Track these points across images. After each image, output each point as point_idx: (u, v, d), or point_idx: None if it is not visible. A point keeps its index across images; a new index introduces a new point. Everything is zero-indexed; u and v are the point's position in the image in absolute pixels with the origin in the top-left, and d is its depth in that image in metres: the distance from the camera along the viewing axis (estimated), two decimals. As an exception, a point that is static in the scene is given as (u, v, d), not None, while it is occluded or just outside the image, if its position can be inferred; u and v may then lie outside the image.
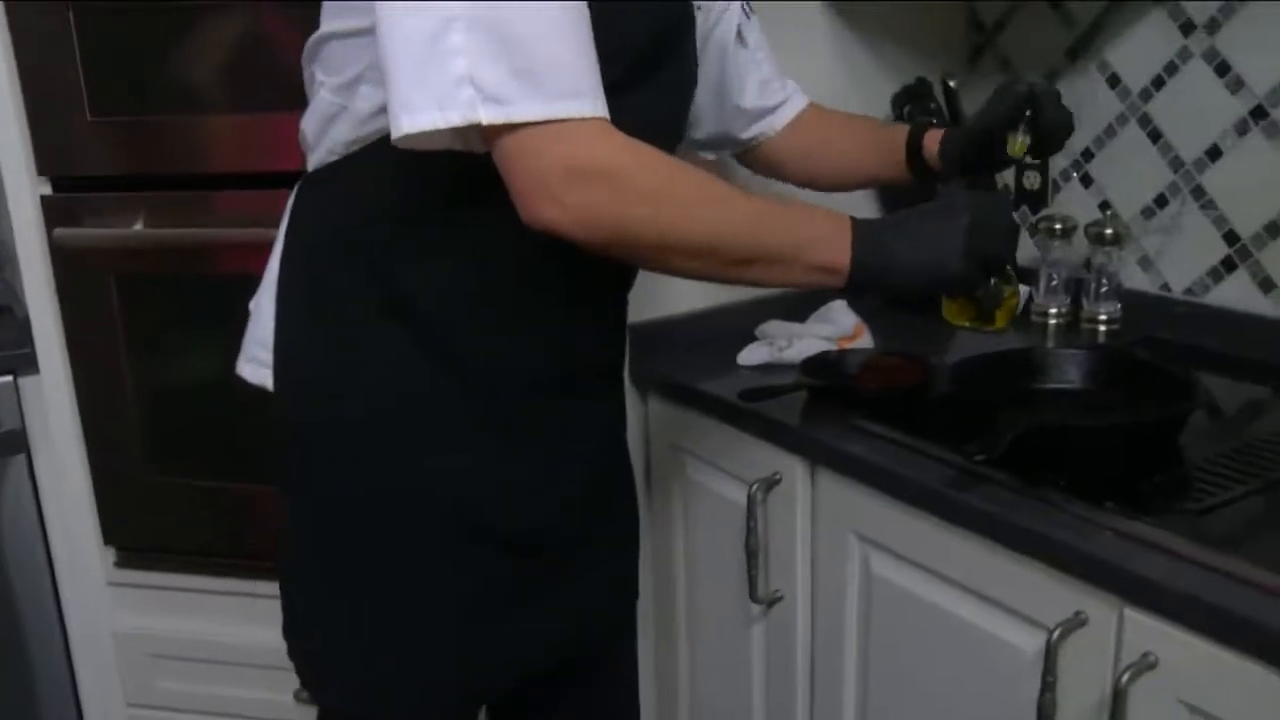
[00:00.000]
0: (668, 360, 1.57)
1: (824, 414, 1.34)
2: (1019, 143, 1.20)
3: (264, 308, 1.12)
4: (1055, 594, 1.04)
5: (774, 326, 1.56)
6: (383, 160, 0.98)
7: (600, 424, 1.18)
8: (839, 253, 1.00)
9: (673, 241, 0.95)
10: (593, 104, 0.89)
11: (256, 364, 1.12)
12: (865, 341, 1.54)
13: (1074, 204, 1.69)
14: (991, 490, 1.11)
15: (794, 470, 1.34)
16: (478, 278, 1.02)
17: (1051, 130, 1.21)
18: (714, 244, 0.97)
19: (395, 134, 0.87)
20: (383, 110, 0.96)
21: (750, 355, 1.52)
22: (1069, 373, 1.33)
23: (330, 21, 1.01)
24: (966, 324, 1.42)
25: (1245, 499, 1.08)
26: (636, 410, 1.61)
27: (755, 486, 1.36)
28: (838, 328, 1.52)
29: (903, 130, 1.33)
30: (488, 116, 0.85)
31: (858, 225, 1.02)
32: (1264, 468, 1.14)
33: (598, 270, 1.07)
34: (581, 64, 0.88)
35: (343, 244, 1.04)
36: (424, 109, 0.85)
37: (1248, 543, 1.03)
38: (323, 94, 1.03)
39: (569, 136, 0.88)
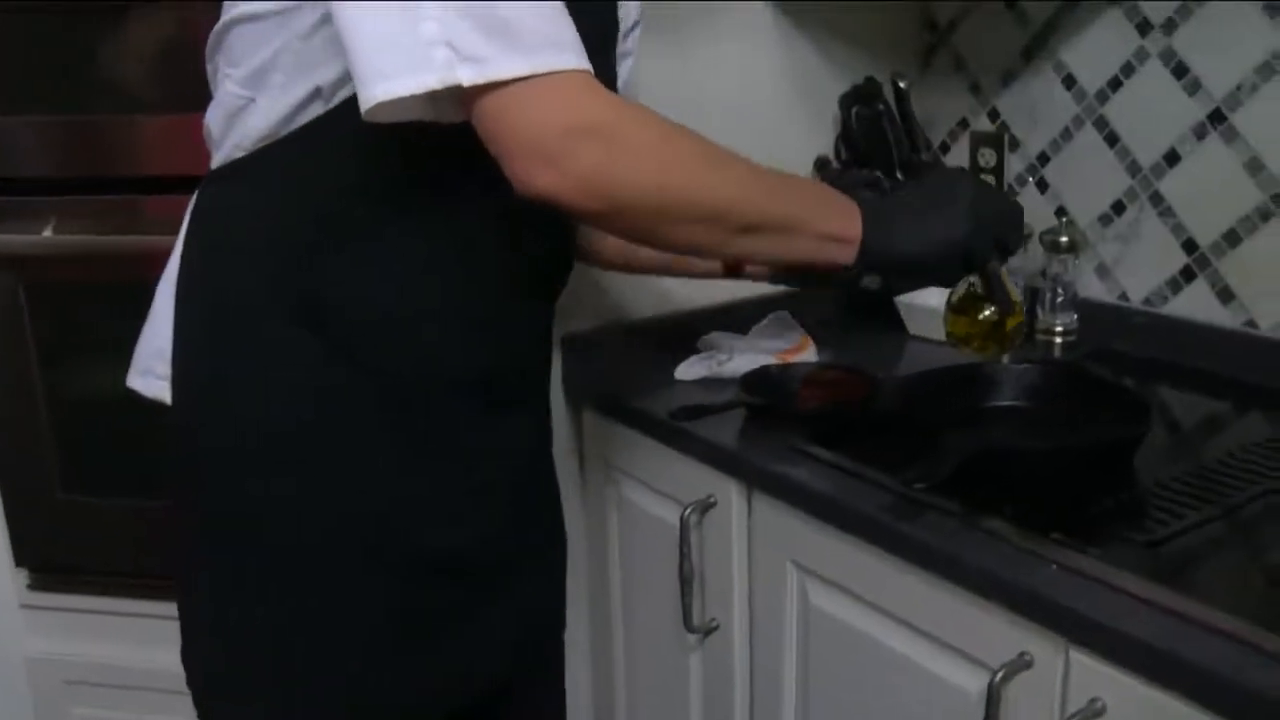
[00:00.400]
0: (603, 372, 1.49)
1: (762, 434, 1.27)
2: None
3: (160, 316, 1.04)
4: (999, 632, 0.97)
5: (715, 338, 1.49)
6: (297, 155, 0.92)
7: (529, 438, 1.10)
8: (850, 223, 0.97)
9: (676, 205, 0.89)
10: (576, 57, 0.83)
11: (151, 376, 1.05)
12: (810, 355, 1.47)
13: (1030, 209, 1.62)
14: (933, 519, 1.04)
15: (729, 493, 1.27)
16: (404, 279, 0.95)
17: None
18: (719, 208, 0.91)
19: (365, 105, 0.80)
20: (301, 103, 0.91)
21: (689, 369, 1.45)
22: (1020, 389, 1.26)
23: (232, 8, 0.94)
24: (974, 348, 1.25)
25: (1201, 527, 1.01)
26: (569, 424, 1.54)
27: (689, 510, 1.29)
28: (782, 340, 1.45)
29: None
30: (467, 77, 0.79)
31: (862, 198, 0.99)
32: (1221, 492, 1.07)
33: (535, 271, 1.02)
34: (558, 20, 0.83)
35: (249, 245, 0.96)
36: (397, 75, 0.79)
37: (1202, 578, 0.96)
38: (228, 86, 0.96)
39: (556, 92, 0.82)
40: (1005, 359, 1.26)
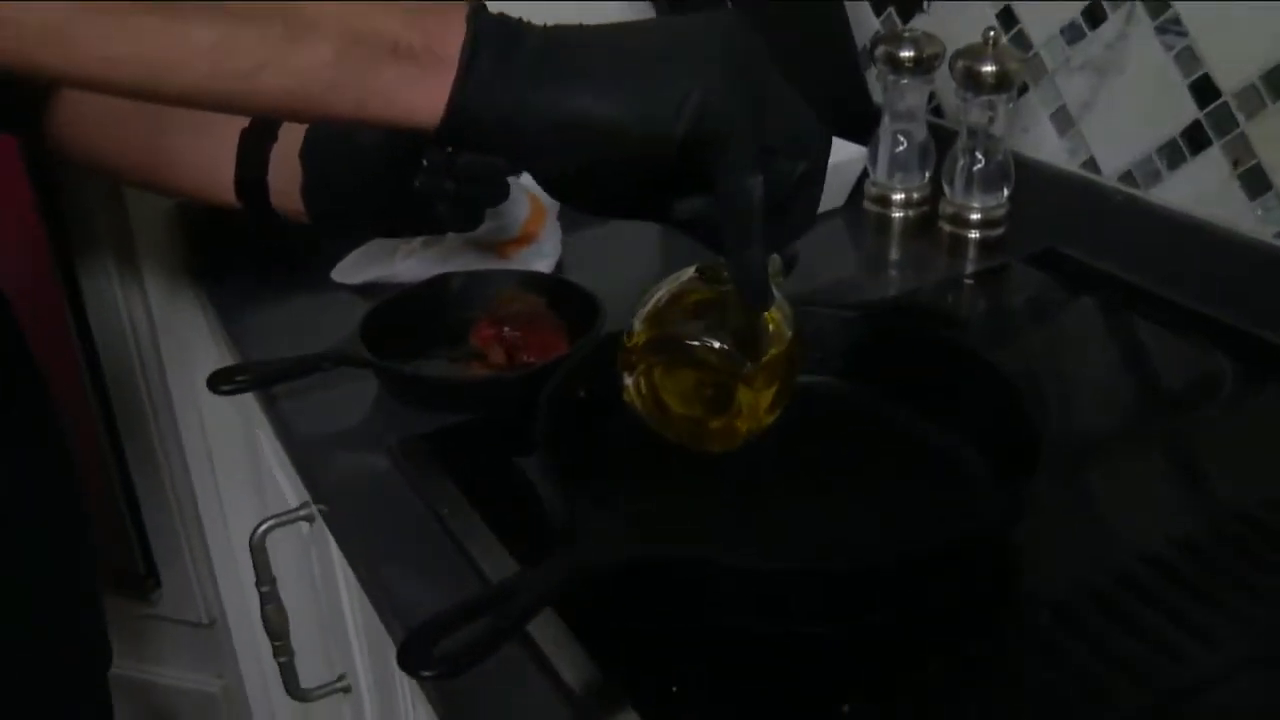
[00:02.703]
0: (232, 272, 0.95)
1: (391, 411, 0.74)
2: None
3: None
4: None
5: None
6: None
7: None
8: (435, 25, 0.46)
9: None
10: None
11: None
12: (547, 247, 0.90)
13: (955, 11, 1.01)
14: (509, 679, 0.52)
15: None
16: None
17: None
18: None
19: None
20: None
21: (353, 267, 0.90)
22: (831, 357, 0.70)
23: None
24: (684, 429, 0.59)
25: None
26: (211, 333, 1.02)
27: (264, 527, 0.77)
28: (498, 221, 0.88)
29: (230, 133, 0.78)
30: None
31: (483, 10, 0.47)
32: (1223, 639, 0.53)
33: None
34: None
35: None
36: None
37: None
38: None
39: None
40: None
